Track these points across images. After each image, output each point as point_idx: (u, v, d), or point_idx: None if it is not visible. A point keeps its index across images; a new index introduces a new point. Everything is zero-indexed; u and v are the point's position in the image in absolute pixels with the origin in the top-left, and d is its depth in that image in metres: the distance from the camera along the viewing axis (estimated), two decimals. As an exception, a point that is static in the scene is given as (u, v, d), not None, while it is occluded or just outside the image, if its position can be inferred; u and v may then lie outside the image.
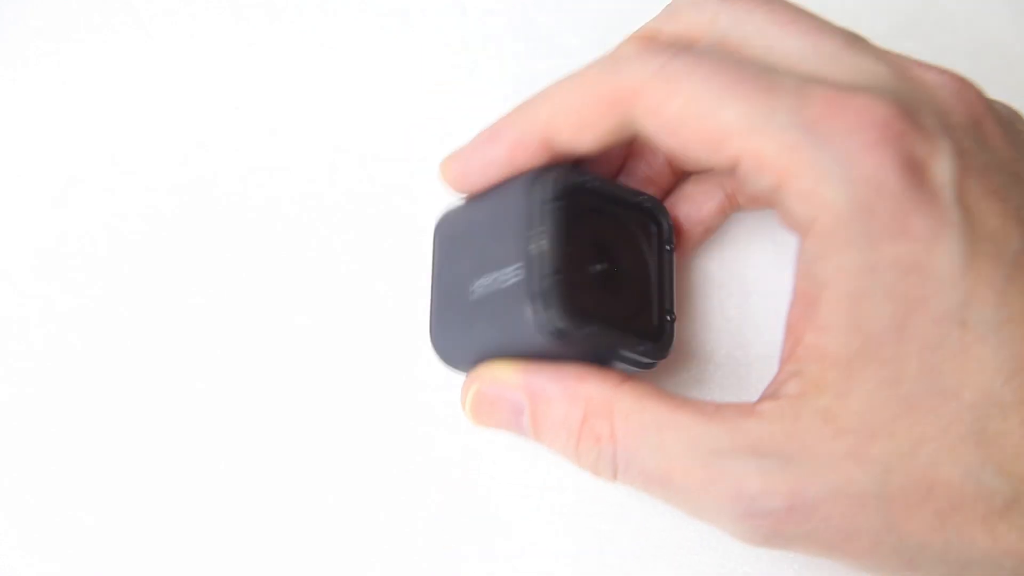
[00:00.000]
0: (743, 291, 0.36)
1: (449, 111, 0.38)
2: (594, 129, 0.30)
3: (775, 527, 0.27)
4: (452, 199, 0.33)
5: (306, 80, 0.38)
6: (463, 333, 0.31)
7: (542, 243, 0.29)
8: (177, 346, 0.36)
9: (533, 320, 0.29)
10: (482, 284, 0.30)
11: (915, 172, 0.26)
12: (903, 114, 0.26)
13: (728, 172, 0.28)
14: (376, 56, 0.39)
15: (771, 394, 0.28)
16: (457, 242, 0.32)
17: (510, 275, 0.30)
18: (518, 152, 0.31)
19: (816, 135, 0.26)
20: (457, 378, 0.32)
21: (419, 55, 0.39)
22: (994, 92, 0.31)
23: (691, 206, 0.34)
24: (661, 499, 0.29)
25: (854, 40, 0.29)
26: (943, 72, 0.28)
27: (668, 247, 0.32)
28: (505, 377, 0.31)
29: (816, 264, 0.27)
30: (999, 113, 0.29)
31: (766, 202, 0.29)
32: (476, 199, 0.32)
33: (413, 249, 0.36)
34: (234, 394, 0.35)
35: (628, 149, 0.34)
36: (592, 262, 0.31)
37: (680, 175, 0.35)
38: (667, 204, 0.34)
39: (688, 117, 0.28)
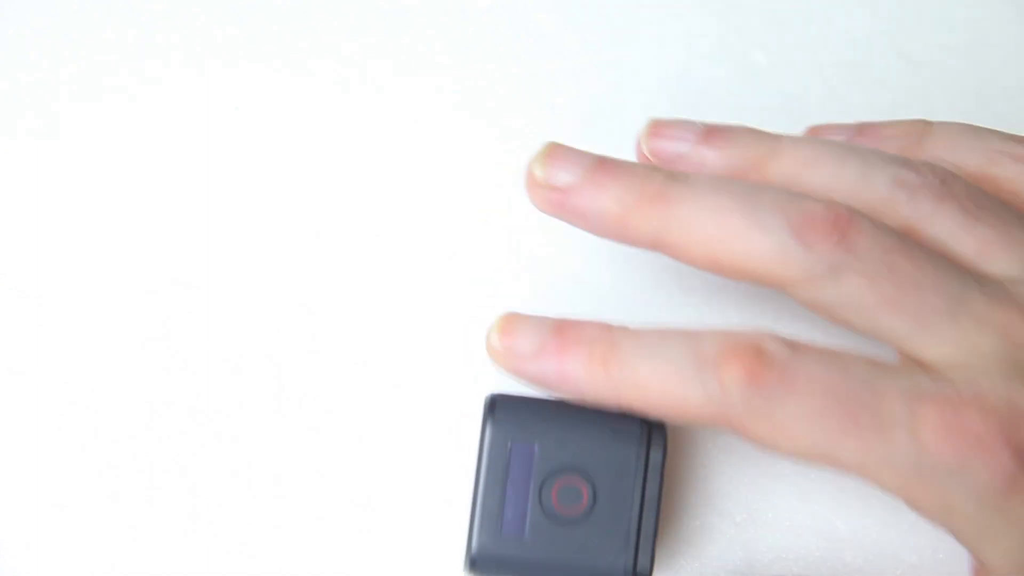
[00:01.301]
0: (744, 297, 0.36)
1: (449, 111, 0.38)
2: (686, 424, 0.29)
3: None
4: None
5: (305, 80, 0.38)
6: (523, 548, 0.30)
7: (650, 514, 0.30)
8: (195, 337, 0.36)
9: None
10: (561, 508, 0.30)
11: None
12: (1011, 409, 0.27)
13: None
14: (376, 56, 0.39)
15: None
16: (526, 452, 0.31)
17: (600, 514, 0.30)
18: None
19: (933, 464, 0.26)
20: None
21: (419, 55, 0.39)
22: (994, 92, 0.31)
23: None
24: None
25: (957, 303, 0.28)
26: None
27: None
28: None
29: (980, 555, 0.28)
30: None
31: None
32: (557, 411, 0.31)
33: (414, 249, 0.36)
34: (253, 407, 0.35)
35: None
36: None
37: None
38: None
39: (801, 455, 0.27)
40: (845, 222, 0.28)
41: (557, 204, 0.30)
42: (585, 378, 0.28)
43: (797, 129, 0.37)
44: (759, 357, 0.27)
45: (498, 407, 0.31)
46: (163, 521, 0.34)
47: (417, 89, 0.38)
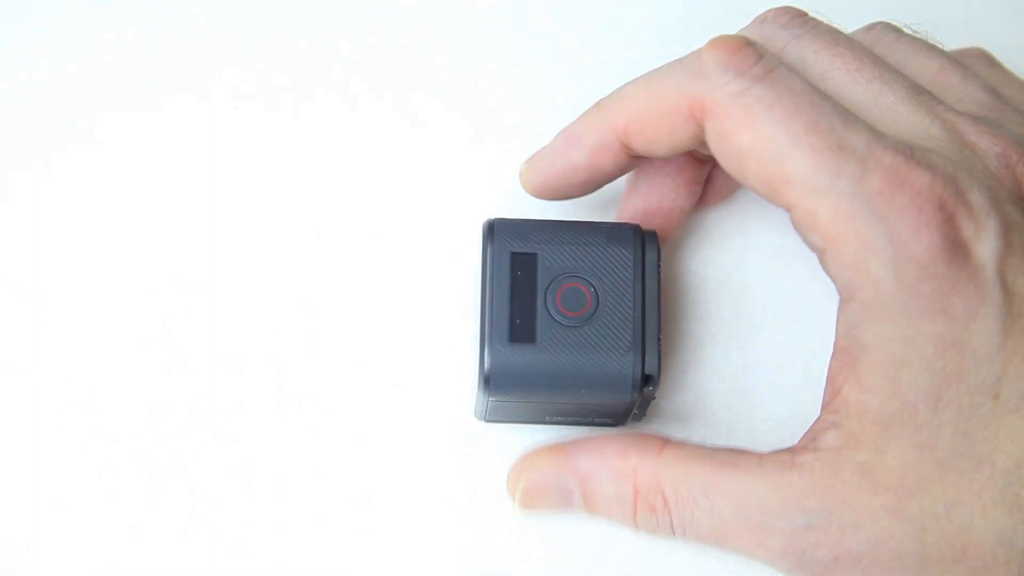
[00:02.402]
0: (740, 292, 0.36)
1: (448, 112, 0.38)
2: (671, 137, 0.30)
3: (823, 573, 0.29)
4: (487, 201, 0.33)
5: (305, 80, 0.38)
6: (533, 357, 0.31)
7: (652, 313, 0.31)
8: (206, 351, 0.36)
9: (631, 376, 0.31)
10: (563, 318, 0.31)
11: (960, 253, 0.27)
12: (956, 193, 0.27)
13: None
14: (375, 56, 0.39)
15: (810, 445, 0.29)
16: (528, 262, 0.32)
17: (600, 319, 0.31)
18: (599, 156, 0.32)
19: (872, 209, 0.27)
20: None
21: (419, 55, 0.39)
22: (994, 93, 0.31)
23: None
24: (720, 550, 0.30)
25: (915, 93, 0.30)
26: (995, 138, 0.29)
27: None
28: (551, 464, 0.32)
29: (857, 327, 0.28)
30: None
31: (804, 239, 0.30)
32: (554, 226, 0.32)
33: (414, 249, 0.36)
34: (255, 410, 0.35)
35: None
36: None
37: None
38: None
39: (755, 153, 0.28)
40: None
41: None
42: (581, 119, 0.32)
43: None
44: (746, 45, 0.29)
45: (497, 227, 0.32)
46: (163, 521, 0.34)
47: (417, 89, 0.38)
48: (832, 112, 0.28)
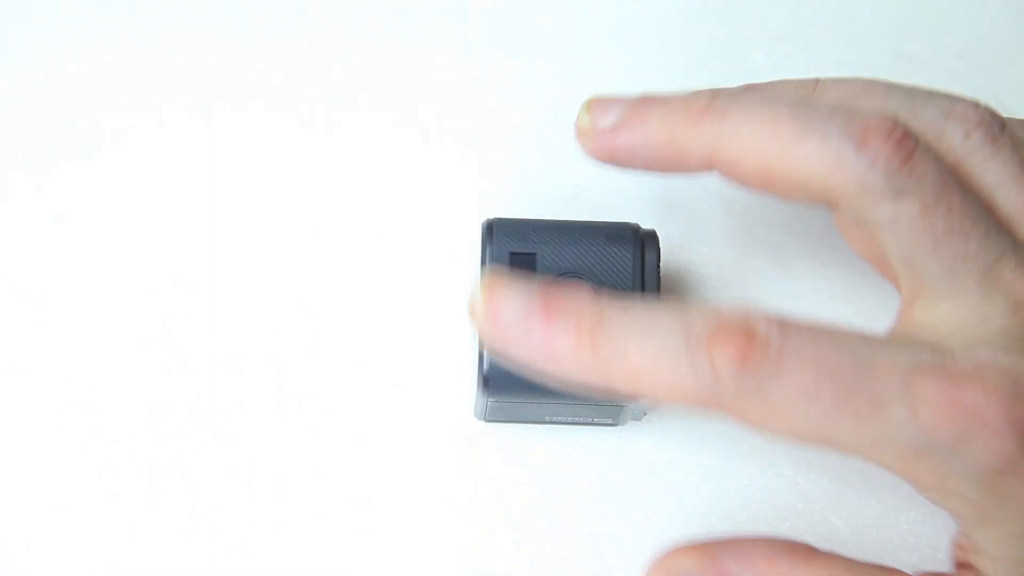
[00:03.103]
0: (740, 292, 0.36)
1: (448, 112, 0.38)
2: None
3: None
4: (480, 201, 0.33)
5: (304, 80, 0.38)
6: None
7: None
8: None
9: None
10: None
11: None
12: (1015, 386, 0.26)
13: None
14: (375, 56, 0.39)
15: None
16: (527, 262, 0.32)
17: None
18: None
19: (932, 443, 0.25)
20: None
21: (419, 55, 0.39)
22: (993, 92, 0.31)
23: None
24: None
25: (989, 266, 0.28)
26: None
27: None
28: (697, 565, 0.30)
29: (977, 543, 0.28)
30: None
31: None
32: (553, 226, 0.32)
33: (414, 249, 0.36)
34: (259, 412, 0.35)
35: None
36: None
37: None
38: None
39: (800, 438, 0.26)
40: (910, 142, 0.27)
41: (608, 147, 0.29)
42: (572, 356, 0.26)
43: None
44: (750, 339, 0.26)
45: (496, 227, 0.32)
46: (163, 521, 0.34)
47: (417, 89, 0.38)
48: (855, 361, 0.26)
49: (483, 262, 0.32)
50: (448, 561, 0.34)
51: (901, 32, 0.39)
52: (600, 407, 0.32)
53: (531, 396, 0.31)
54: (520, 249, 0.31)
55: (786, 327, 0.26)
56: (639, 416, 0.34)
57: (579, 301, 0.26)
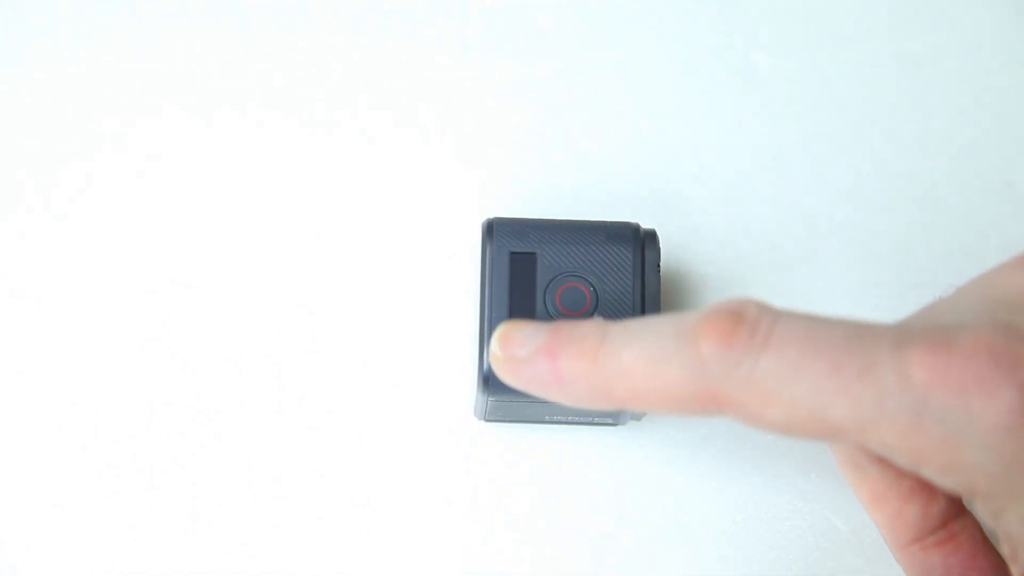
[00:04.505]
0: (740, 292, 0.36)
1: (448, 112, 0.38)
2: (681, 413, 0.27)
3: None
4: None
5: (304, 80, 0.38)
6: None
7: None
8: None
9: None
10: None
11: None
12: (1009, 340, 0.25)
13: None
14: (375, 56, 0.39)
15: None
16: (527, 261, 0.32)
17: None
18: (580, 403, 0.28)
19: (930, 408, 0.25)
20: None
21: (419, 55, 0.39)
22: (993, 92, 0.31)
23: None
24: None
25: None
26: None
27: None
28: None
29: (1000, 521, 0.26)
30: None
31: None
32: (553, 225, 0.32)
33: (414, 249, 0.36)
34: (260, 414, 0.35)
35: None
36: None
37: None
38: None
39: (793, 421, 0.26)
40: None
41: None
42: (577, 373, 0.27)
43: (797, 129, 0.37)
44: (738, 321, 0.26)
45: (496, 226, 0.32)
46: (163, 521, 0.34)
47: (417, 89, 0.38)
48: (843, 332, 0.25)
49: (483, 261, 0.32)
50: (448, 561, 0.34)
51: (901, 32, 0.39)
52: None
53: (531, 396, 0.31)
54: (520, 249, 0.31)
55: (778, 311, 0.26)
56: (639, 416, 0.34)
57: (585, 326, 0.27)
